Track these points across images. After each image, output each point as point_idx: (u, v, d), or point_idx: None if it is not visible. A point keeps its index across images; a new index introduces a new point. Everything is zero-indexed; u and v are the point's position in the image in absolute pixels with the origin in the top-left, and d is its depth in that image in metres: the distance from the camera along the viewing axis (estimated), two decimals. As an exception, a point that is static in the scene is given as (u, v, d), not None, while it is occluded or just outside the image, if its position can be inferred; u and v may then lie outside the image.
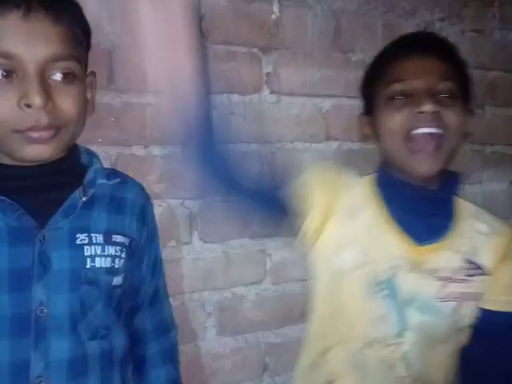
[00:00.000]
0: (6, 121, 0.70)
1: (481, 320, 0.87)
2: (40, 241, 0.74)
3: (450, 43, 0.92)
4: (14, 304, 0.71)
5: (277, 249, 1.26)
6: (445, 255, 0.87)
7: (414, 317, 0.85)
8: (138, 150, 1.11)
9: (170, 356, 0.93)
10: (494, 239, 0.90)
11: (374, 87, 0.91)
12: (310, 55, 1.25)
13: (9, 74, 0.69)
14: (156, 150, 1.13)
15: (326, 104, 1.29)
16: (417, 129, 0.83)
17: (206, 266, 1.19)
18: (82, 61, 0.77)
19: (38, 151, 0.72)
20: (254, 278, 1.25)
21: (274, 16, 1.15)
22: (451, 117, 0.84)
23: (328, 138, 1.30)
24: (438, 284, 0.86)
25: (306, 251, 0.91)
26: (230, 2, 1.14)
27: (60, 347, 0.73)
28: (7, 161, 0.76)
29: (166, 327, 0.93)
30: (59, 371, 0.73)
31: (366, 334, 0.86)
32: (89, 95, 0.80)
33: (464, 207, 0.93)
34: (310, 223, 0.89)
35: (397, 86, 0.86)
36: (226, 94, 1.17)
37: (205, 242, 1.19)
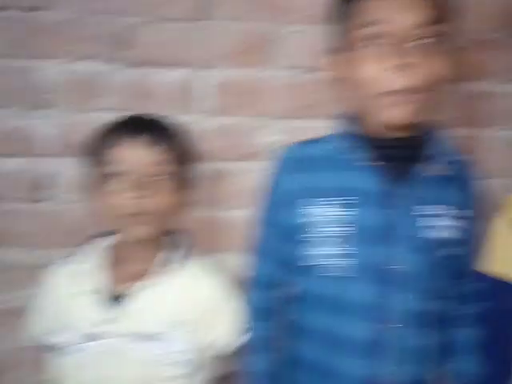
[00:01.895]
0: (370, 83, 0.80)
1: None
2: (394, 206, 0.84)
3: None
4: (376, 256, 0.84)
5: None
6: None
7: None
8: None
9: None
10: None
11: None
12: None
13: (378, 39, 0.79)
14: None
15: None
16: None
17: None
18: (446, 28, 0.80)
19: (398, 115, 0.80)
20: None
21: None
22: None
23: None
24: None
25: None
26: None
27: (411, 300, 0.84)
28: (373, 130, 0.86)
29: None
30: (410, 319, 0.85)
31: None
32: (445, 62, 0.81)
33: None
34: None
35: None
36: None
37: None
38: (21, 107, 1.19)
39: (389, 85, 0.79)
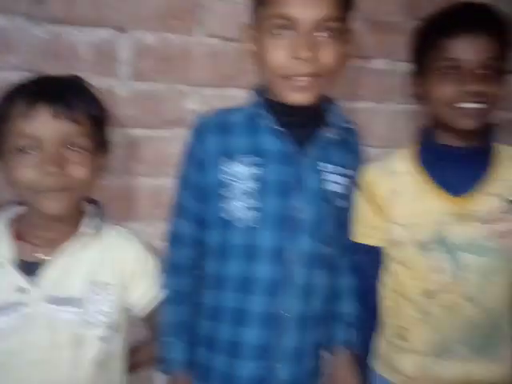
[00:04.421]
0: (278, 68, 0.93)
1: None
2: (298, 164, 0.98)
3: (503, 19, 0.97)
4: (277, 206, 0.98)
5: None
6: (483, 199, 0.97)
7: (471, 261, 0.96)
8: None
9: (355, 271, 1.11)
10: None
11: (424, 55, 1.00)
12: None
13: (286, 29, 0.91)
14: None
15: None
16: (462, 103, 0.95)
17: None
18: (345, 21, 0.96)
19: (301, 97, 0.95)
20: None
21: None
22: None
23: None
24: (484, 227, 0.96)
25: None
26: None
27: (304, 243, 0.98)
28: (280, 99, 0.98)
29: (353, 249, 1.10)
30: (302, 259, 0.98)
31: (427, 287, 0.99)
32: (344, 50, 0.96)
33: (504, 153, 1.02)
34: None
35: (446, 63, 0.95)
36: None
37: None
38: None
39: (292, 71, 0.92)
